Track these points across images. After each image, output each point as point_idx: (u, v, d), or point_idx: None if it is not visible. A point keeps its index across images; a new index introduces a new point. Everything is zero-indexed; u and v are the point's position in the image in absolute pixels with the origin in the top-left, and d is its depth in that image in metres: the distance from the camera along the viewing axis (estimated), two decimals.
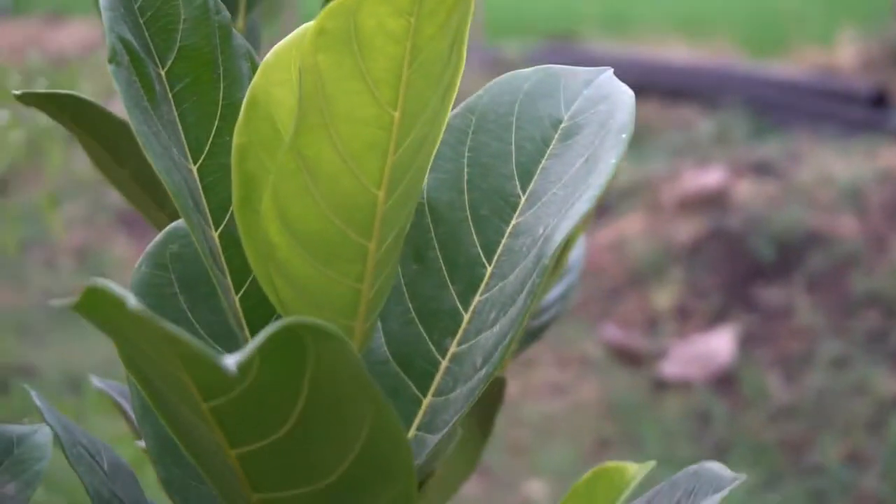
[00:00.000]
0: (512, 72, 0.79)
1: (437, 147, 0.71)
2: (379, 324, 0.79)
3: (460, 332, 0.77)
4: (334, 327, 0.57)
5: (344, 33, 0.63)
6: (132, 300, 0.55)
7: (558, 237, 0.71)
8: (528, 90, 0.78)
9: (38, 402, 0.74)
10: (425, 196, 0.79)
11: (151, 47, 0.73)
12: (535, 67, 0.79)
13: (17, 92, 0.84)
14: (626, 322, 4.54)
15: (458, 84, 0.70)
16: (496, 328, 0.74)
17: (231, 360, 0.56)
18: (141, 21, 0.73)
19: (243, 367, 0.57)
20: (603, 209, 5.06)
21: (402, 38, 0.64)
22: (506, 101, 0.78)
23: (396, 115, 0.66)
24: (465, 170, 0.78)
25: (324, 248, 0.68)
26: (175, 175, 0.70)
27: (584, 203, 0.70)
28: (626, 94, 0.74)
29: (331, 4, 0.63)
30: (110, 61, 0.69)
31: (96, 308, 0.57)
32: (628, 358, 4.33)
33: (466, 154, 0.78)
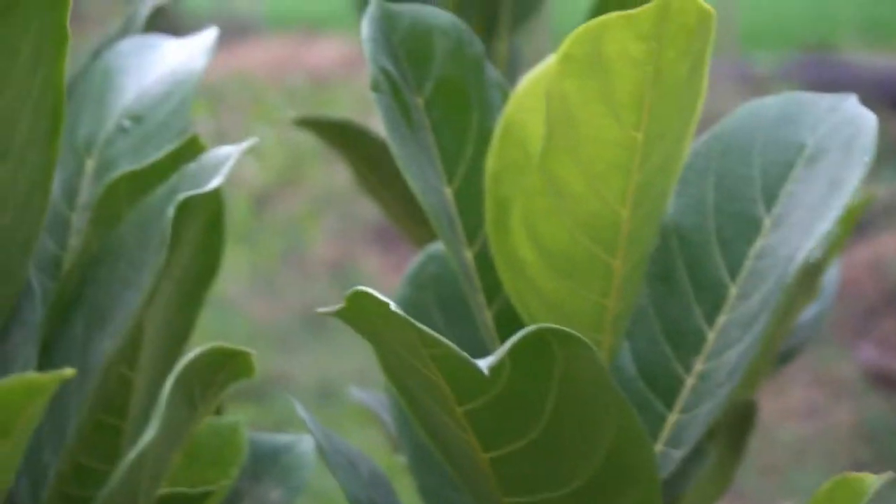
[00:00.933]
0: (757, 99, 0.81)
1: (680, 168, 0.74)
2: (626, 342, 0.82)
3: (705, 350, 0.79)
4: (576, 333, 0.60)
5: (588, 59, 0.67)
6: (393, 305, 0.59)
7: (800, 257, 0.73)
8: (773, 117, 0.80)
9: (301, 413, 0.79)
10: (672, 219, 0.82)
11: (409, 78, 0.78)
12: (780, 95, 0.81)
13: (294, 117, 0.90)
14: (883, 343, 4.41)
15: (701, 106, 0.72)
16: (740, 346, 0.76)
17: (484, 363, 0.60)
18: (400, 54, 0.78)
19: (495, 369, 0.60)
20: (860, 228, 4.94)
21: (644, 63, 0.67)
22: (751, 127, 0.80)
23: (639, 136, 0.69)
24: (711, 194, 0.81)
25: (571, 264, 0.71)
26: (431, 197, 0.74)
27: (825, 223, 0.72)
28: (868, 118, 0.75)
29: (575, 31, 0.66)
30: (373, 89, 0.74)
31: (360, 313, 0.61)
32: (885, 380, 4.21)
33: (712, 179, 0.81)
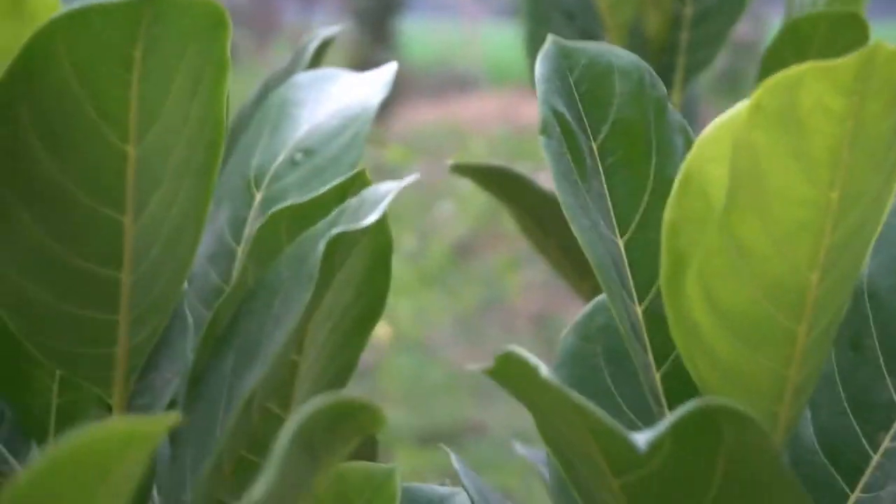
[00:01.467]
0: None
1: (877, 230, 0.68)
2: (809, 413, 0.76)
3: (895, 426, 0.72)
4: (750, 413, 0.55)
5: (781, 111, 0.61)
6: (544, 369, 0.54)
7: None
8: None
9: (456, 465, 0.75)
10: (865, 280, 0.76)
11: (585, 120, 0.73)
12: None
13: (452, 163, 0.86)
14: None
15: None
16: None
17: (642, 438, 0.55)
18: (576, 94, 0.73)
19: (654, 445, 0.55)
20: None
21: (843, 118, 0.62)
22: None
23: (834, 196, 0.63)
24: None
25: (750, 330, 0.66)
26: (599, 248, 0.69)
27: None
28: None
29: (769, 80, 0.61)
30: (542, 133, 0.70)
31: (510, 375, 0.57)
32: None
33: None
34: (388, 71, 0.94)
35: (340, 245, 0.69)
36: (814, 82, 0.61)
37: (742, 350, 0.66)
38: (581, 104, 0.73)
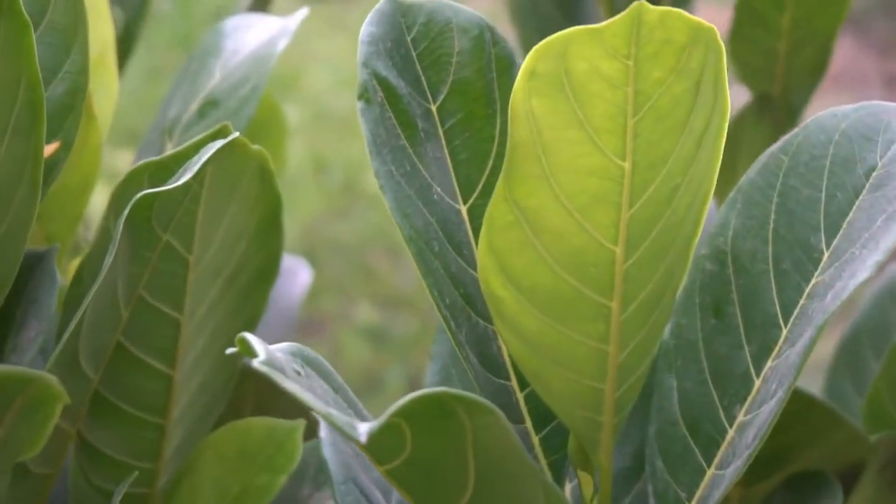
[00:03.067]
0: (832, 108, 0.69)
1: (706, 200, 0.63)
2: (674, 381, 0.72)
3: (749, 399, 0.68)
4: (487, 404, 0.52)
5: (556, 77, 0.58)
6: (261, 357, 0.53)
7: (839, 302, 0.62)
8: (846, 130, 0.68)
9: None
10: (729, 244, 0.71)
11: (423, 81, 0.70)
12: (859, 104, 0.69)
13: None
14: None
15: (725, 124, 0.62)
16: (773, 402, 0.66)
17: (363, 429, 0.53)
18: (414, 54, 0.70)
19: (382, 435, 0.53)
20: None
21: (621, 83, 0.57)
22: (821, 141, 0.69)
23: (626, 165, 0.60)
24: (772, 216, 0.70)
25: (555, 304, 0.62)
26: (417, 220, 0.66)
27: (863, 272, 0.61)
28: None
29: (541, 45, 0.57)
30: (360, 98, 0.67)
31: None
32: None
33: (775, 199, 0.70)
34: (296, 18, 0.92)
35: (148, 207, 0.68)
36: (584, 47, 0.57)
37: (550, 325, 0.63)
38: (419, 64, 0.70)
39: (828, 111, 0.69)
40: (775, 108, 1.09)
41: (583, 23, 1.21)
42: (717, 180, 1.09)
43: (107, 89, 0.92)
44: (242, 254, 0.82)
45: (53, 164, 0.78)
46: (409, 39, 0.70)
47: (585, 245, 0.61)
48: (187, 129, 0.93)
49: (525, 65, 0.58)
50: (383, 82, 0.68)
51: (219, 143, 0.69)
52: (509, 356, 0.69)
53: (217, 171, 0.77)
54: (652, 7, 0.56)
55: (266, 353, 0.53)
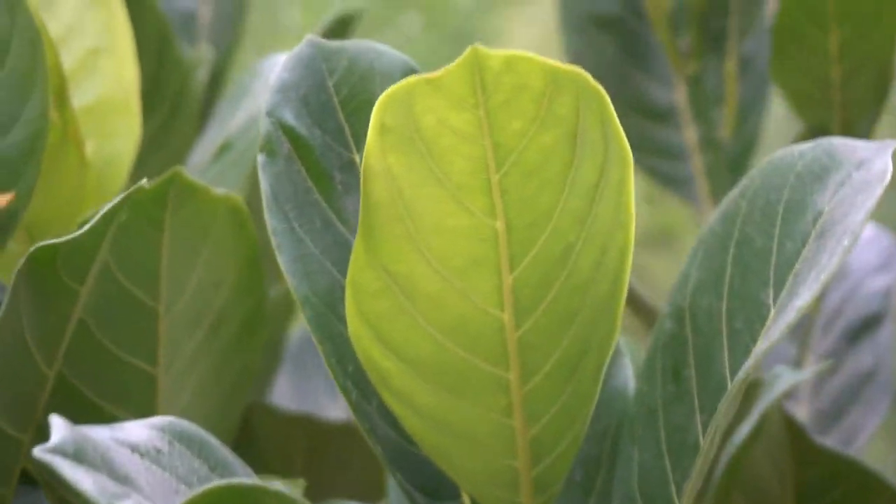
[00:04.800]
0: (791, 146, 0.62)
1: (623, 257, 0.57)
2: (636, 453, 0.65)
3: (693, 475, 0.61)
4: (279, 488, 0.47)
5: (406, 131, 0.52)
6: None
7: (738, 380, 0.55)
8: (801, 172, 0.60)
9: None
10: (688, 300, 0.64)
11: (346, 130, 0.65)
12: (815, 142, 0.61)
13: None
14: None
15: (628, 174, 0.55)
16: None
17: None
18: (336, 101, 0.65)
19: None
20: None
21: (476, 136, 0.51)
22: (776, 184, 0.61)
23: (499, 225, 0.53)
24: (728, 269, 0.62)
25: (446, 376, 0.57)
26: (320, 281, 0.61)
27: (765, 342, 0.53)
28: (877, 182, 0.55)
29: (383, 96, 0.52)
30: (262, 150, 0.62)
31: None
32: None
33: (732, 249, 0.62)
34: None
35: (51, 259, 0.64)
36: (427, 98, 0.51)
37: (445, 399, 0.57)
38: (341, 111, 0.65)
39: (785, 149, 0.62)
40: None
41: (644, 64, 1.14)
42: None
43: (127, 134, 0.91)
44: (224, 302, 0.78)
45: (11, 215, 0.76)
46: (330, 85, 0.65)
47: (467, 312, 0.55)
48: (203, 173, 0.91)
49: (373, 119, 0.52)
50: (291, 133, 0.63)
51: (121, 195, 0.65)
52: None
53: (180, 218, 0.74)
54: (492, 52, 0.50)
55: (60, 437, 0.49)
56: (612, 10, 1.12)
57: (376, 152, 0.53)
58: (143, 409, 0.77)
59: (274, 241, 0.61)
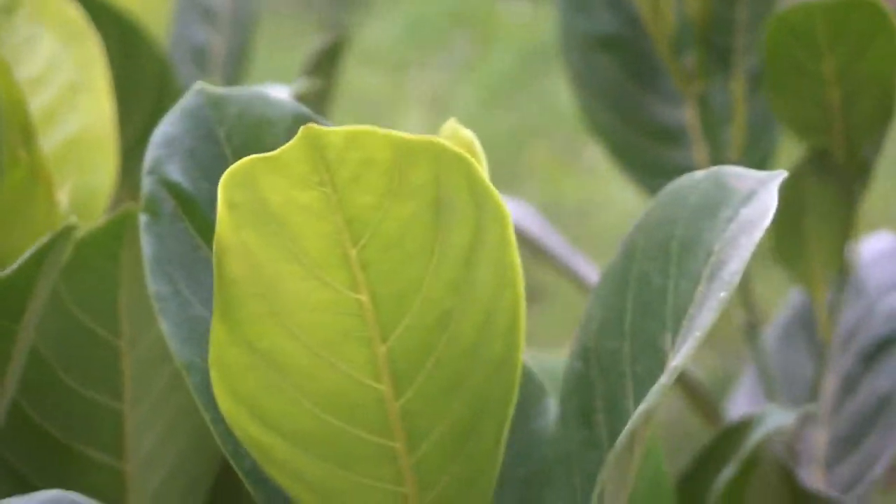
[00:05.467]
0: (683, 177, 0.59)
1: (514, 314, 0.54)
2: (555, 501, 0.63)
3: None
4: None
5: (255, 208, 0.50)
6: None
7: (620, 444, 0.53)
8: (694, 205, 0.58)
9: None
10: (593, 340, 0.62)
11: None
12: (710, 171, 0.58)
13: None
14: None
15: (507, 234, 0.53)
16: None
17: None
18: (227, 151, 0.63)
19: None
20: None
21: (326, 213, 0.49)
22: (672, 218, 0.58)
23: (363, 298, 0.51)
24: (629, 309, 0.60)
25: (330, 449, 0.55)
26: (206, 344, 0.59)
27: (644, 403, 0.51)
28: (760, 221, 0.52)
29: (227, 173, 0.49)
30: (145, 211, 0.60)
31: None
32: None
33: (631, 287, 0.60)
34: None
35: None
36: (270, 177, 0.49)
37: (332, 471, 0.55)
38: (233, 161, 0.63)
39: (682, 179, 0.59)
40: (838, 165, 0.95)
41: (650, 84, 1.10)
42: (785, 253, 0.97)
43: (105, 169, 0.90)
44: None
45: None
46: (220, 135, 0.63)
47: (343, 384, 0.53)
48: None
49: (221, 195, 0.50)
50: (175, 189, 0.61)
51: (52, 234, 0.64)
52: None
53: (136, 253, 0.72)
54: (330, 129, 0.48)
55: None
56: (614, 30, 1.08)
57: (229, 228, 0.51)
58: (111, 446, 0.76)
59: (156, 307, 0.59)
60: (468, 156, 0.50)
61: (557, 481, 0.63)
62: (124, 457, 0.78)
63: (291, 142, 0.48)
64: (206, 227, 0.62)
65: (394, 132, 0.48)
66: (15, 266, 0.64)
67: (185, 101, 0.63)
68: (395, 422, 0.54)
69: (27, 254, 0.64)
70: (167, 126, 0.62)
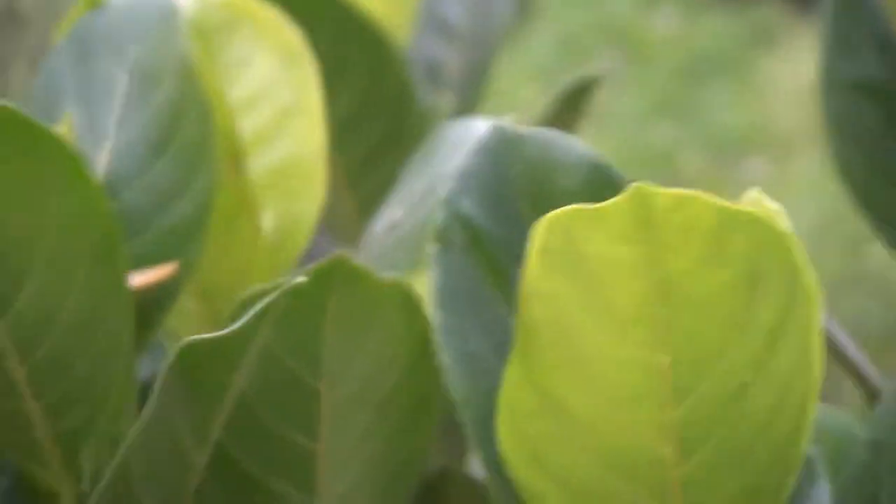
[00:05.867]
0: None
1: (806, 402, 0.53)
2: None
3: None
4: None
5: (568, 256, 0.49)
6: None
7: None
8: None
9: None
10: (889, 436, 0.60)
11: (524, 224, 0.62)
12: None
13: None
14: None
15: (815, 319, 0.51)
16: None
17: None
18: (517, 193, 0.62)
19: None
20: None
21: (642, 271, 0.49)
22: None
23: (665, 360, 0.50)
24: None
25: None
26: (482, 381, 0.59)
27: None
28: None
29: (545, 219, 0.49)
30: (436, 240, 0.60)
31: None
32: None
33: None
34: None
35: (205, 353, 0.64)
36: (588, 228, 0.48)
37: None
38: (521, 204, 0.62)
39: None
40: None
41: None
42: None
43: (311, 196, 0.89)
44: (394, 385, 0.77)
45: (173, 284, 0.76)
46: (511, 176, 0.63)
47: (628, 443, 0.52)
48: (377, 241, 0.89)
49: (534, 239, 0.50)
50: (468, 223, 0.61)
51: (277, 292, 0.64)
52: None
53: (343, 303, 0.73)
54: (658, 190, 0.47)
55: None
56: (879, 77, 1.05)
57: (537, 274, 0.50)
58: (303, 484, 0.77)
59: (440, 339, 0.59)
60: (788, 234, 0.49)
61: None
62: (318, 496, 0.78)
63: (619, 197, 0.47)
64: (493, 264, 0.61)
65: (718, 200, 0.47)
66: (238, 324, 0.64)
67: (484, 137, 0.63)
68: (674, 488, 0.53)
69: (253, 311, 0.64)
70: (467, 159, 0.62)
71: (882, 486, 0.59)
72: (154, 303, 0.78)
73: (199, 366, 0.65)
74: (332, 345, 0.72)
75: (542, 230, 0.49)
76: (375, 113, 1.04)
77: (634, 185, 0.47)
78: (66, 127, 0.77)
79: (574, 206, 0.48)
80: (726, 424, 0.52)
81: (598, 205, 0.48)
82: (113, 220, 0.68)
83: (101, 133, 0.80)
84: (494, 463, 0.58)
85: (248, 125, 0.91)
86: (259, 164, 0.90)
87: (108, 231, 0.67)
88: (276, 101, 0.90)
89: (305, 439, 0.76)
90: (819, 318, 0.51)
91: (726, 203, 0.47)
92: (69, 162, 0.67)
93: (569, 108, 1.07)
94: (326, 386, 0.74)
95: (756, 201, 0.56)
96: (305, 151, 0.89)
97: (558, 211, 0.49)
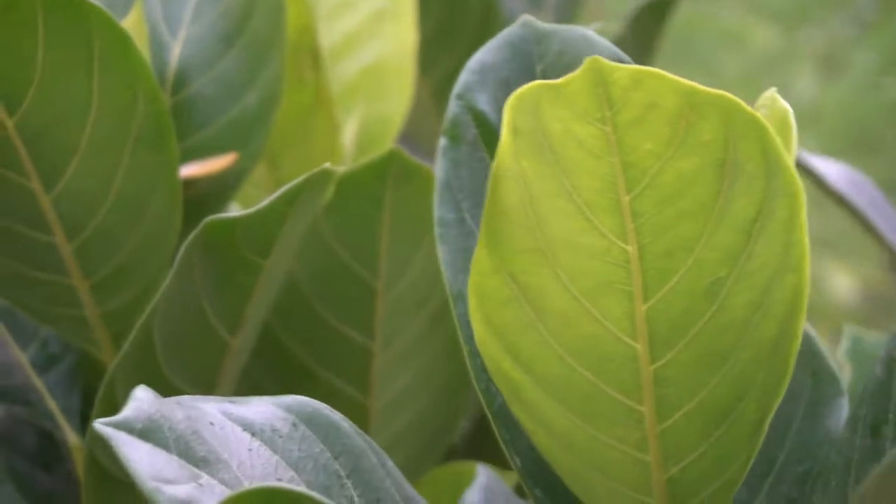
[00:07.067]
0: None
1: (795, 302, 0.50)
2: None
3: None
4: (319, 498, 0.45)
5: (535, 136, 0.48)
6: None
7: None
8: None
9: None
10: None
11: None
12: None
13: None
14: None
15: (798, 211, 0.49)
16: None
17: None
18: (537, 69, 0.61)
19: None
20: None
21: (603, 153, 0.47)
22: None
23: (631, 249, 0.49)
24: None
25: (574, 398, 0.53)
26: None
27: None
28: None
29: (512, 97, 0.48)
30: (445, 133, 0.59)
31: None
32: None
33: None
34: None
35: (229, 231, 0.64)
36: (552, 105, 0.47)
37: (576, 423, 0.53)
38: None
39: None
40: None
41: None
42: None
43: (400, 96, 0.90)
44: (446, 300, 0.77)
45: (237, 175, 0.77)
46: (538, 70, 0.61)
47: (598, 335, 0.51)
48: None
49: (505, 119, 0.49)
50: (480, 118, 0.60)
51: (303, 177, 0.64)
52: None
53: (399, 197, 0.73)
54: (615, 65, 0.45)
55: (131, 411, 0.48)
56: None
57: (509, 154, 0.49)
58: (358, 381, 0.77)
59: (437, 231, 0.58)
60: (763, 120, 0.47)
61: (832, 486, 0.59)
62: (371, 394, 0.78)
63: (577, 72, 0.46)
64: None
65: (684, 80, 0.45)
66: (265, 204, 0.64)
67: (509, 31, 0.62)
68: (647, 385, 0.52)
69: (279, 192, 0.64)
70: (485, 54, 0.61)
71: (891, 402, 0.57)
72: (214, 192, 0.79)
73: (223, 243, 0.65)
74: (389, 242, 0.72)
75: (512, 108, 0.48)
76: (461, 31, 1.05)
77: (590, 58, 0.45)
78: (136, 14, 0.78)
79: (539, 81, 0.47)
80: (700, 321, 0.51)
81: (559, 80, 0.46)
82: (162, 105, 0.69)
83: (176, 24, 0.80)
84: (478, 359, 0.58)
85: (342, 27, 0.92)
86: (349, 65, 0.91)
87: (157, 115, 0.68)
88: (371, 5, 0.91)
89: (361, 336, 0.77)
90: (803, 214, 0.49)
91: (691, 83, 0.46)
92: (119, 40, 0.67)
93: (651, 21, 1.05)
94: (383, 284, 0.74)
95: (771, 98, 0.54)
96: (395, 54, 0.90)
97: (525, 87, 0.48)
